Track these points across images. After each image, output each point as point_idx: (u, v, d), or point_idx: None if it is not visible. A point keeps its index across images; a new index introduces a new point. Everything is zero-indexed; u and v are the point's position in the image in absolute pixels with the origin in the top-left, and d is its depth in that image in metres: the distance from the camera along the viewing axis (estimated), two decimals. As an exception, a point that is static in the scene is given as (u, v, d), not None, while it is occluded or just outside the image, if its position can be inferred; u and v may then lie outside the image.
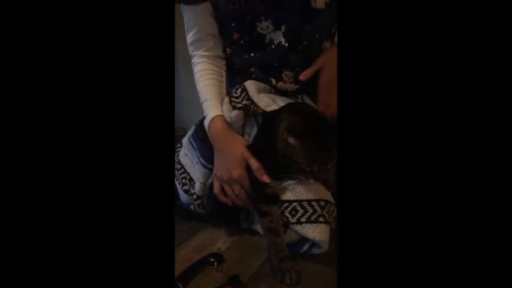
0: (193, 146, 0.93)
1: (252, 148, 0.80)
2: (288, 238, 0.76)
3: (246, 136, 0.83)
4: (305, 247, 0.76)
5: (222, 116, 0.82)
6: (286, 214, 0.76)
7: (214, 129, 0.82)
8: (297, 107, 0.80)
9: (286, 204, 0.77)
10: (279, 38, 0.81)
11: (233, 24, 0.82)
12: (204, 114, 0.86)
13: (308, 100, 0.86)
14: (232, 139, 0.80)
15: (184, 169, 0.92)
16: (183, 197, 0.92)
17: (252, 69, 0.87)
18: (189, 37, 0.88)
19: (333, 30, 0.86)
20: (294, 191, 0.77)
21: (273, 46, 0.82)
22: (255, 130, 0.81)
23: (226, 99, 0.83)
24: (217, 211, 0.89)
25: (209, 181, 0.87)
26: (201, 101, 0.87)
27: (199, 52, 0.88)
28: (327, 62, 0.82)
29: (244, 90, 0.82)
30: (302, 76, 0.82)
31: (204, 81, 0.87)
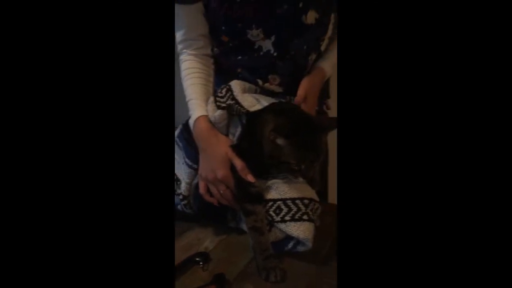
0: (179, 146, 0.93)
1: (236, 148, 0.80)
2: (273, 236, 0.77)
3: (230, 136, 0.83)
4: (290, 245, 0.77)
5: (207, 116, 0.82)
6: (271, 212, 0.77)
7: (199, 129, 0.82)
8: (281, 107, 0.80)
9: (270, 203, 0.77)
10: (268, 46, 0.82)
11: (224, 28, 0.82)
12: (189, 114, 0.86)
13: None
14: (216, 139, 0.81)
15: (171, 169, 0.92)
16: (170, 197, 0.93)
17: (239, 70, 0.87)
18: (179, 36, 0.88)
19: (320, 42, 0.88)
20: (278, 190, 0.78)
21: (261, 53, 0.83)
22: (239, 130, 0.82)
23: (211, 99, 0.84)
24: (203, 211, 0.89)
25: (195, 181, 0.87)
26: (186, 100, 0.87)
27: (188, 51, 0.88)
28: (311, 86, 0.85)
29: (229, 90, 0.82)
30: (296, 102, 0.84)
31: (190, 80, 0.87)
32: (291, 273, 0.72)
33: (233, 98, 0.80)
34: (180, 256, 0.79)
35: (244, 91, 0.84)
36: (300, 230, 0.74)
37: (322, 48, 0.89)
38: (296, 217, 0.75)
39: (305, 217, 0.75)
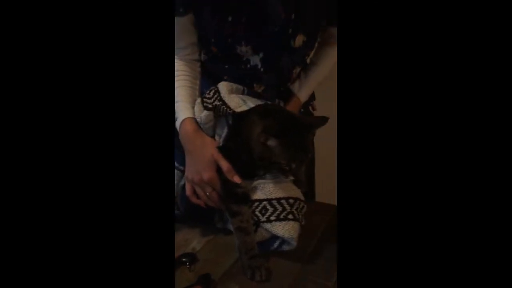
0: (166, 148, 0.93)
1: (223, 149, 0.81)
2: (259, 236, 0.78)
3: (217, 137, 0.84)
4: (275, 244, 0.78)
5: (193, 118, 0.83)
6: (257, 213, 0.78)
7: (184, 131, 0.82)
8: (267, 108, 0.81)
9: (256, 203, 0.78)
10: (256, 61, 0.84)
11: (213, 41, 0.83)
12: (176, 116, 0.87)
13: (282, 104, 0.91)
14: (202, 141, 0.81)
15: (158, 171, 0.92)
16: (157, 199, 0.93)
17: (225, 77, 0.89)
18: None
19: (306, 57, 0.92)
20: (264, 190, 0.79)
21: (248, 66, 0.85)
22: (225, 131, 0.82)
23: (198, 100, 0.84)
24: (190, 212, 0.90)
25: (182, 183, 0.88)
26: None
27: (176, 56, 0.89)
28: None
29: (217, 91, 0.83)
30: None
31: (176, 82, 0.88)
32: (276, 272, 0.73)
33: (220, 99, 0.81)
34: (167, 257, 0.79)
35: (231, 92, 0.84)
36: (285, 230, 0.75)
37: (308, 61, 0.93)
38: (281, 216, 0.76)
39: (290, 216, 0.76)
